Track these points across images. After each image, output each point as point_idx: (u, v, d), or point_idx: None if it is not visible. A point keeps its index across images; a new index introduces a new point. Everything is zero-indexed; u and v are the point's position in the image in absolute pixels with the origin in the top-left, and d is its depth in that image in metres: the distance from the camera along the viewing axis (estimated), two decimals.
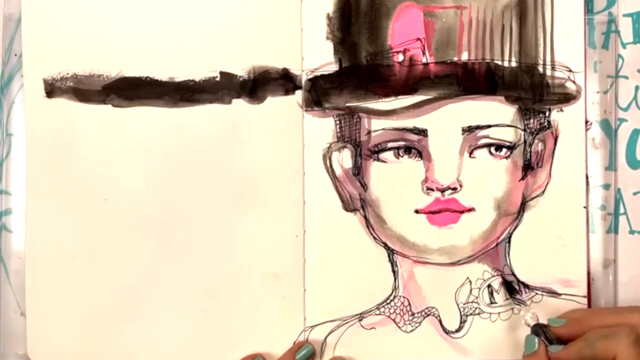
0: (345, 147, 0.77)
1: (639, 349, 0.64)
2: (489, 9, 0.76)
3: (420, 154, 0.76)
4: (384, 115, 0.76)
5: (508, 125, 0.76)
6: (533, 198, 0.77)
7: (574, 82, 0.76)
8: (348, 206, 0.77)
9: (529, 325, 0.72)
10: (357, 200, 0.77)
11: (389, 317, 0.77)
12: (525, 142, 0.76)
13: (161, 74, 0.77)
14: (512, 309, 0.76)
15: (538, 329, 0.71)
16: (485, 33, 0.76)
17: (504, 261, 0.77)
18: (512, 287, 0.76)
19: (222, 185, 0.77)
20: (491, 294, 0.76)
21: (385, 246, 0.77)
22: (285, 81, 0.77)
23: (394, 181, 0.76)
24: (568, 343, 0.69)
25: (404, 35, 0.76)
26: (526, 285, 0.76)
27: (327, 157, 0.77)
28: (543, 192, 0.77)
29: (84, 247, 0.77)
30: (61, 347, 0.77)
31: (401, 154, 0.76)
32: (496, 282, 0.76)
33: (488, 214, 0.76)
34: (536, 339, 0.70)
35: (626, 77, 0.78)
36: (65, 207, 0.77)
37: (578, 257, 0.76)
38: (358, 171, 0.77)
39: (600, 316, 0.70)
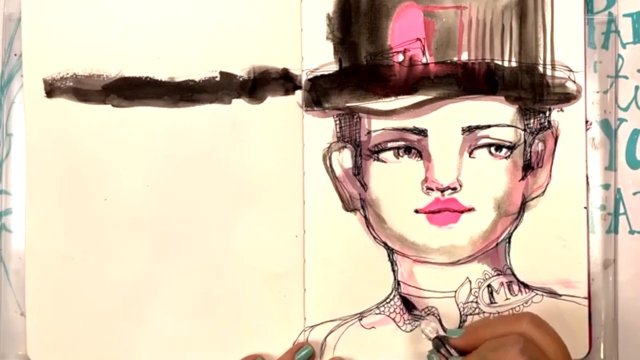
0: (345, 147, 0.77)
1: (526, 357, 0.64)
2: (489, 9, 0.76)
3: (420, 154, 0.76)
4: (384, 115, 0.76)
5: (508, 125, 0.76)
6: (533, 198, 0.77)
7: (574, 81, 0.76)
8: (348, 206, 0.77)
9: (429, 339, 0.72)
10: (357, 200, 0.77)
11: (388, 316, 0.77)
12: (525, 142, 0.76)
13: (161, 74, 0.77)
14: (512, 309, 0.76)
15: (438, 342, 0.71)
16: (485, 33, 0.76)
17: (504, 261, 0.77)
18: (409, 303, 0.76)
19: (222, 185, 0.77)
20: (491, 294, 0.76)
21: (385, 246, 0.77)
22: (285, 81, 0.77)
23: (394, 181, 0.76)
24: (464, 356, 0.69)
25: (404, 35, 0.76)
26: (526, 286, 0.76)
27: (327, 157, 0.77)
28: (543, 192, 0.76)
29: (84, 247, 0.77)
30: (61, 347, 0.77)
31: (401, 154, 0.76)
32: (496, 282, 0.76)
33: (488, 214, 0.76)
34: (434, 357, 0.71)
35: (626, 77, 0.78)
36: (65, 207, 0.77)
37: (579, 257, 0.76)
38: (358, 171, 0.77)
39: (493, 326, 0.69)
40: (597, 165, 0.77)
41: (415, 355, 0.77)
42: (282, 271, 0.77)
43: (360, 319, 0.77)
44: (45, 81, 0.77)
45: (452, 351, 0.70)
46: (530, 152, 0.76)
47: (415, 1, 0.76)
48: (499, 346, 0.66)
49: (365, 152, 0.76)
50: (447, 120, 0.76)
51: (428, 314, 0.76)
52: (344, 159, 0.77)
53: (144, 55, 0.77)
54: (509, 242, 0.77)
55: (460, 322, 0.76)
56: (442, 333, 0.72)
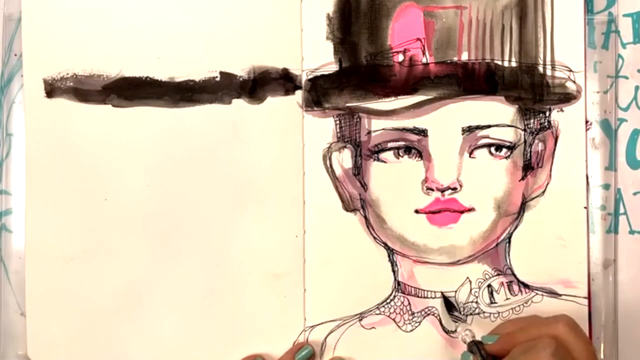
0: (345, 147, 0.77)
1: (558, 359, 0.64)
2: (489, 9, 0.76)
3: (420, 154, 0.76)
4: (384, 115, 0.76)
5: (508, 125, 0.76)
6: (533, 198, 0.77)
7: (574, 81, 0.76)
8: (348, 206, 0.77)
9: (465, 343, 0.72)
10: (357, 200, 0.77)
11: (389, 316, 0.77)
12: (525, 142, 0.76)
13: (161, 74, 0.77)
14: (512, 309, 0.76)
15: (474, 347, 0.71)
16: (485, 33, 0.76)
17: (504, 261, 0.77)
18: (452, 304, 0.76)
19: (222, 185, 0.77)
20: (491, 294, 0.76)
21: (385, 246, 0.77)
22: (285, 81, 0.77)
23: (394, 181, 0.76)
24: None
25: (404, 35, 0.76)
26: (526, 286, 0.76)
27: (327, 157, 0.77)
28: (543, 192, 0.76)
29: (84, 247, 0.77)
30: (61, 347, 0.77)
31: (401, 154, 0.76)
32: (496, 282, 0.76)
33: (488, 214, 0.76)
34: (471, 357, 0.71)
35: (626, 77, 0.78)
36: (65, 207, 0.77)
37: (579, 257, 0.76)
38: (358, 171, 0.77)
39: (528, 330, 0.69)
40: (597, 165, 0.77)
41: (415, 356, 0.77)
42: (282, 271, 0.77)
43: (361, 319, 0.77)
44: (45, 81, 0.77)
45: (488, 356, 0.70)
46: (530, 152, 0.76)
47: (416, 1, 0.76)
48: (530, 349, 0.66)
49: (365, 152, 0.76)
50: (447, 120, 0.76)
51: (465, 320, 0.76)
52: (344, 159, 0.77)
53: (144, 55, 0.77)
54: (509, 242, 0.76)
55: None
56: (477, 338, 0.72)
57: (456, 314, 0.76)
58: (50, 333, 0.77)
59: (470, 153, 0.76)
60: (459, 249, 0.76)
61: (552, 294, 0.76)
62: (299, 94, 0.77)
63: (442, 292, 0.76)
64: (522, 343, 0.68)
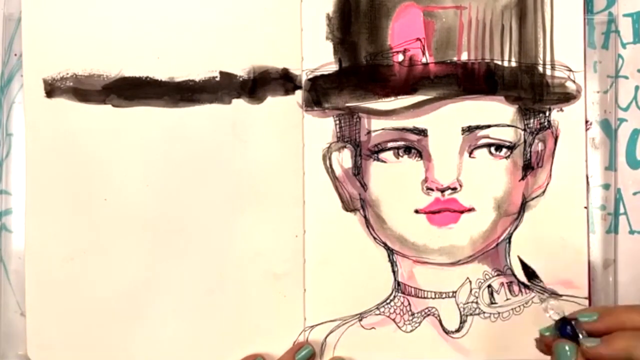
0: (345, 147, 0.77)
1: None
2: (489, 9, 0.76)
3: (420, 154, 0.76)
4: (384, 115, 0.76)
5: (508, 125, 0.76)
6: (533, 198, 0.76)
7: (574, 81, 0.76)
8: (348, 206, 0.77)
9: (553, 320, 0.64)
10: (357, 200, 0.77)
11: (388, 317, 0.77)
12: (525, 142, 0.76)
13: (161, 74, 0.77)
14: (512, 309, 0.76)
15: (564, 326, 0.62)
16: (485, 33, 0.76)
17: (504, 261, 0.76)
18: (529, 269, 0.73)
19: (222, 185, 0.77)
20: (491, 294, 0.76)
21: (385, 246, 0.77)
22: (285, 81, 0.77)
23: (394, 181, 0.76)
24: (609, 335, 0.61)
25: (404, 35, 0.76)
26: (526, 286, 0.76)
27: (327, 157, 0.77)
28: (543, 192, 0.76)
29: (83, 247, 0.77)
30: (61, 347, 0.77)
31: (401, 154, 0.76)
32: (496, 282, 0.76)
33: (488, 214, 0.76)
34: (567, 347, 0.61)
35: (626, 77, 0.78)
36: (65, 207, 0.77)
37: (579, 257, 0.76)
38: (358, 171, 0.77)
39: (633, 314, 0.61)
40: (597, 165, 0.77)
41: (415, 356, 0.77)
42: (282, 271, 0.77)
43: (360, 320, 0.77)
44: (45, 81, 0.77)
45: (582, 335, 0.62)
46: (530, 152, 0.76)
47: (415, 1, 0.76)
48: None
49: (365, 152, 0.76)
50: (447, 120, 0.76)
51: (552, 293, 0.72)
52: (343, 159, 0.77)
53: (144, 55, 0.77)
54: (509, 242, 0.76)
55: (461, 322, 0.76)
56: (567, 313, 0.64)
57: (537, 281, 0.74)
58: (50, 333, 0.77)
59: (470, 153, 0.76)
60: (459, 249, 0.76)
61: (552, 294, 0.76)
62: (298, 94, 0.77)
63: (519, 258, 0.75)
64: (625, 327, 0.61)
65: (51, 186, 0.77)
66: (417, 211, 0.76)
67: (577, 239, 0.76)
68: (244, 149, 0.77)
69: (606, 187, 0.77)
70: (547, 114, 0.76)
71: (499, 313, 0.76)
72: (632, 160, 0.78)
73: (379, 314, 0.77)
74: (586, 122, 0.77)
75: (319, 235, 0.77)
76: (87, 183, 0.77)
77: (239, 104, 0.77)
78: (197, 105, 0.77)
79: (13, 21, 0.78)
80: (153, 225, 0.77)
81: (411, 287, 0.77)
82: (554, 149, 0.76)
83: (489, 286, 0.76)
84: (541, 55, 0.76)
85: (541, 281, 0.75)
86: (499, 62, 0.76)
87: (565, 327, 0.62)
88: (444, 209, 0.76)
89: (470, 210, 0.76)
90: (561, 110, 0.76)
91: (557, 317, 0.63)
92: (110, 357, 0.77)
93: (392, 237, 0.77)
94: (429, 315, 0.77)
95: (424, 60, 0.76)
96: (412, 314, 0.77)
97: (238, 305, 0.77)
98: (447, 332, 0.76)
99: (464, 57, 0.76)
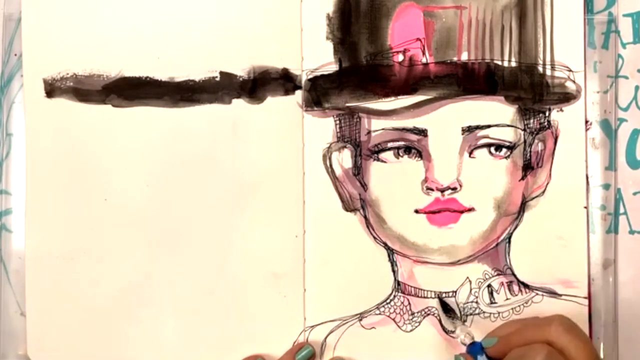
0: (345, 147, 0.77)
1: None
2: (489, 9, 0.76)
3: (420, 154, 0.76)
4: (384, 115, 0.76)
5: (508, 125, 0.76)
6: (533, 198, 0.76)
7: (573, 81, 0.76)
8: (348, 206, 0.77)
9: (464, 344, 0.73)
10: (357, 200, 0.77)
11: (388, 316, 0.77)
12: (525, 142, 0.76)
13: (161, 74, 0.77)
14: (512, 309, 0.76)
15: (474, 349, 0.72)
16: (485, 33, 0.76)
17: (504, 261, 0.77)
18: (447, 306, 0.76)
19: (221, 185, 0.77)
20: (491, 294, 0.76)
21: (385, 246, 0.77)
22: (285, 81, 0.77)
23: (394, 181, 0.76)
24: None
25: (404, 35, 0.76)
26: (526, 286, 0.76)
27: (327, 157, 0.77)
28: (543, 192, 0.76)
29: (83, 247, 0.77)
30: (61, 347, 0.77)
31: (401, 154, 0.76)
32: (496, 282, 0.76)
33: (488, 214, 0.76)
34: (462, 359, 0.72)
35: (626, 77, 0.78)
36: (65, 207, 0.77)
37: (579, 257, 0.76)
38: (358, 171, 0.77)
39: (523, 332, 0.68)
40: (597, 165, 0.77)
41: (415, 356, 0.77)
42: (282, 271, 0.77)
43: (360, 319, 0.77)
44: (45, 81, 0.77)
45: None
46: (530, 152, 0.76)
47: (415, 1, 0.76)
48: (523, 356, 0.66)
49: (365, 152, 0.76)
50: (447, 120, 0.76)
51: (464, 321, 0.76)
52: (343, 159, 0.77)
53: (144, 55, 0.77)
54: (509, 242, 0.76)
55: (462, 322, 0.76)
56: (476, 340, 0.72)
57: (453, 315, 0.76)
58: (50, 333, 0.77)
59: (470, 153, 0.76)
60: (459, 248, 0.76)
61: (552, 294, 0.76)
62: (298, 94, 0.77)
63: (437, 295, 0.76)
64: (518, 346, 0.68)
65: (51, 186, 0.77)
66: (417, 211, 0.76)
67: (577, 239, 0.76)
68: (244, 149, 0.77)
69: (606, 187, 0.77)
70: (547, 114, 0.76)
71: (498, 313, 0.76)
72: (632, 160, 0.78)
73: (379, 314, 0.77)
74: (586, 122, 0.77)
75: (319, 235, 0.77)
76: (87, 183, 0.77)
77: (239, 104, 0.77)
78: (197, 105, 0.77)
79: (13, 21, 0.78)
80: (153, 225, 0.77)
81: (411, 286, 0.77)
82: (554, 149, 0.76)
83: (489, 286, 0.76)
84: (541, 55, 0.76)
85: (457, 314, 0.76)
86: (499, 62, 0.76)
87: (476, 349, 0.71)
88: (444, 209, 0.76)
89: (470, 210, 0.76)
90: (561, 110, 0.76)
91: (467, 342, 0.73)
92: (110, 357, 0.77)
93: (392, 237, 0.77)
94: (428, 315, 0.77)
95: (424, 60, 0.76)
96: (412, 314, 0.77)
97: (238, 305, 0.77)
98: (447, 332, 0.76)
99: (464, 57, 0.76)
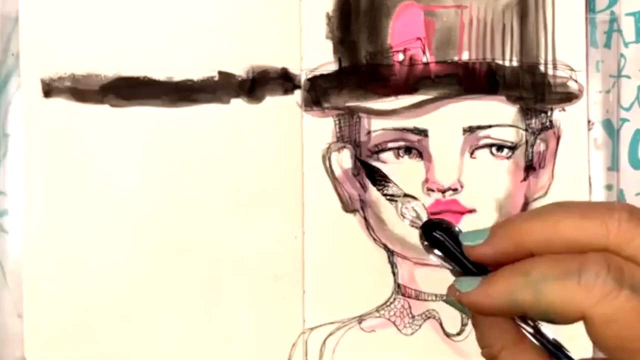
0: (344, 147, 0.76)
1: (627, 288, 0.37)
2: (490, 9, 0.76)
3: (420, 155, 0.76)
4: (384, 115, 0.76)
5: (509, 125, 0.76)
6: (536, 199, 0.76)
7: (575, 81, 0.76)
8: (347, 207, 0.76)
9: (414, 226, 0.48)
10: (357, 201, 0.76)
11: (389, 319, 0.76)
12: (527, 142, 0.76)
13: (159, 74, 0.77)
14: None
15: (428, 232, 0.45)
16: (486, 32, 0.76)
17: None
18: (372, 168, 0.57)
19: (220, 185, 0.77)
20: None
21: (386, 248, 0.76)
22: (284, 81, 0.77)
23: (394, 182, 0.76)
24: (490, 273, 0.44)
25: (404, 35, 0.76)
26: None
27: (326, 157, 0.76)
28: (545, 193, 0.76)
29: (81, 248, 0.77)
30: (59, 349, 0.77)
31: (401, 154, 0.76)
32: None
33: (489, 216, 0.76)
34: (447, 300, 0.47)
35: (628, 77, 0.78)
36: (62, 208, 0.77)
37: None
38: (358, 172, 0.76)
39: (556, 224, 0.41)
40: (600, 166, 0.77)
41: (415, 359, 0.76)
42: (281, 273, 0.76)
43: (360, 322, 0.76)
44: (42, 81, 0.77)
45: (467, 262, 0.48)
46: (532, 152, 0.76)
47: (416, 0, 0.76)
48: (568, 273, 0.39)
49: (365, 153, 0.76)
50: (447, 120, 0.75)
51: (406, 194, 0.53)
52: (343, 160, 0.76)
53: (142, 55, 0.77)
54: None
55: (462, 325, 0.76)
56: (427, 218, 0.49)
57: (383, 183, 0.55)
58: (47, 334, 0.77)
59: (471, 153, 0.76)
60: None
61: (406, 195, 0.75)
62: (298, 94, 0.76)
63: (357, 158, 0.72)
64: (541, 249, 0.41)
65: (49, 187, 0.77)
66: None
67: None
68: (243, 149, 0.77)
69: (609, 187, 0.77)
70: (549, 114, 0.76)
71: None
72: (634, 160, 0.77)
73: (379, 317, 0.76)
74: (588, 122, 0.76)
75: (318, 237, 0.76)
76: (85, 184, 0.77)
77: (238, 104, 0.77)
78: (195, 105, 0.77)
79: (10, 20, 0.78)
80: (151, 225, 0.77)
81: (412, 289, 0.76)
82: (556, 150, 0.76)
83: None
84: (543, 55, 0.76)
85: (390, 182, 0.59)
86: (500, 62, 0.76)
87: (433, 233, 0.45)
88: (445, 210, 0.76)
89: (472, 211, 0.76)
90: (563, 110, 0.76)
91: (419, 222, 0.48)
92: (109, 358, 0.77)
93: (393, 238, 0.76)
94: (429, 318, 0.76)
95: (424, 59, 0.76)
96: (413, 317, 0.76)
97: (236, 307, 0.77)
98: (448, 335, 0.76)
99: (465, 56, 0.76)
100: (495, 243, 0.44)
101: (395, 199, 0.51)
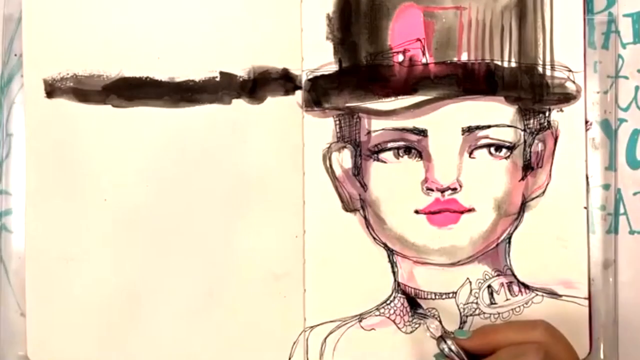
0: (345, 147, 0.77)
1: None
2: (489, 10, 0.76)
3: (420, 154, 0.76)
4: (384, 116, 0.76)
5: (508, 126, 0.76)
6: (533, 198, 0.76)
7: (573, 82, 0.76)
8: (348, 206, 0.77)
9: (433, 338, 0.72)
10: (357, 201, 0.77)
11: (388, 318, 0.77)
12: (525, 142, 0.76)
13: (161, 74, 0.77)
14: (512, 309, 0.76)
15: (443, 342, 0.70)
16: (485, 33, 0.76)
17: (504, 262, 0.76)
18: (414, 301, 0.76)
19: (221, 185, 0.77)
20: (491, 294, 0.76)
21: (385, 247, 0.77)
22: (285, 81, 0.77)
23: (393, 181, 0.76)
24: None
25: (404, 36, 0.76)
26: (526, 286, 0.76)
27: (327, 157, 0.77)
28: (543, 192, 0.76)
29: (84, 248, 0.77)
30: (61, 348, 0.77)
31: (401, 154, 0.76)
32: (496, 283, 0.76)
33: (488, 215, 0.76)
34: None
35: (626, 78, 0.78)
36: (65, 208, 0.77)
37: (579, 257, 0.76)
38: (358, 171, 0.77)
39: (505, 332, 0.70)
40: (597, 166, 0.77)
41: (415, 358, 0.76)
42: (282, 271, 0.77)
43: (360, 321, 0.77)
44: (45, 81, 0.77)
45: (460, 352, 0.70)
46: (530, 152, 0.76)
47: (415, 1, 0.76)
48: (519, 355, 0.66)
49: (365, 152, 0.76)
50: (447, 121, 0.76)
51: (432, 315, 0.75)
52: (343, 159, 0.77)
53: (144, 55, 0.77)
54: (509, 242, 0.76)
55: (461, 323, 0.76)
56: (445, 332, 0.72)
57: (420, 310, 0.76)
58: (50, 333, 0.77)
59: (470, 153, 0.76)
60: (459, 249, 0.76)
61: (552, 294, 0.76)
62: (298, 94, 0.77)
63: (403, 291, 0.77)
64: (498, 345, 0.68)
65: (51, 186, 0.77)
66: (417, 211, 0.76)
67: (577, 239, 0.76)
68: (244, 149, 0.77)
69: (606, 187, 0.77)
70: (547, 114, 0.76)
71: (499, 313, 0.76)
72: (632, 160, 0.78)
73: (379, 315, 0.77)
74: (586, 122, 0.77)
75: (318, 236, 0.77)
76: (87, 183, 0.77)
77: (239, 104, 0.77)
78: (197, 105, 0.77)
79: (13, 21, 0.78)
80: (153, 225, 0.77)
81: (411, 287, 0.77)
82: (554, 150, 0.76)
83: (489, 286, 0.76)
84: (541, 56, 0.76)
85: (425, 310, 0.76)
86: (499, 63, 0.76)
87: (444, 344, 0.70)
88: (444, 210, 0.76)
89: (470, 210, 0.76)
90: (561, 110, 0.76)
91: (437, 334, 0.72)
92: (110, 358, 0.77)
93: (392, 237, 0.77)
94: (432, 315, 0.77)
95: (424, 60, 0.76)
96: (412, 315, 0.77)
97: (238, 306, 0.77)
98: (454, 332, 0.76)
99: (464, 57, 0.76)
100: (474, 342, 0.70)
101: (426, 321, 0.75)
